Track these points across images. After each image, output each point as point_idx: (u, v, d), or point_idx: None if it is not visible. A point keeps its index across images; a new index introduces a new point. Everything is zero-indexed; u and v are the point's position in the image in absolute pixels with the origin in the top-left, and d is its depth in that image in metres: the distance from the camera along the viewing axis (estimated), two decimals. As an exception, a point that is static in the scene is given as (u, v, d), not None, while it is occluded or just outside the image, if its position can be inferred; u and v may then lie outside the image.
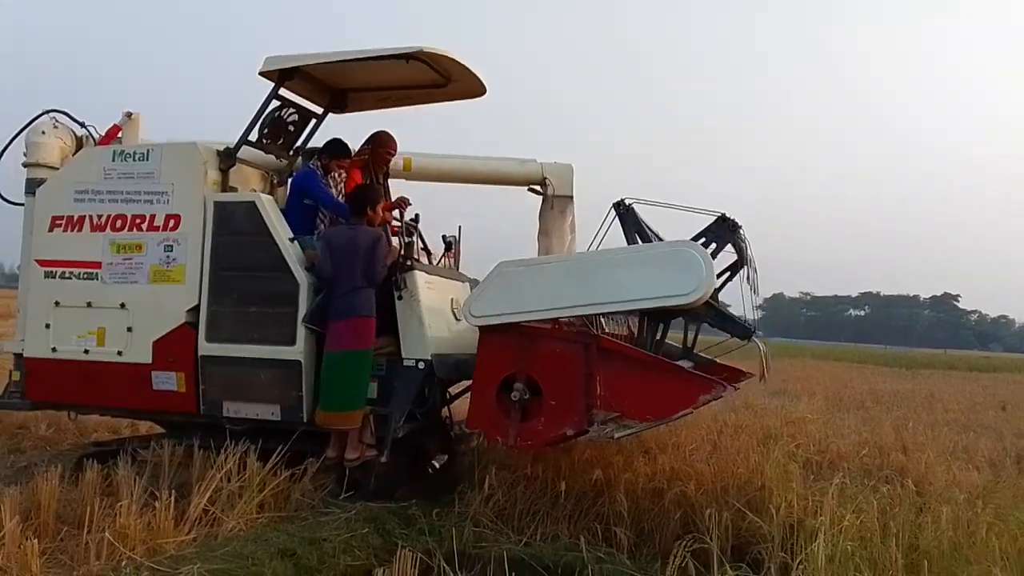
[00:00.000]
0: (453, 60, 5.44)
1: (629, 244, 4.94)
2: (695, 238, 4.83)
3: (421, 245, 5.75)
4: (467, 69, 5.62)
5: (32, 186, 5.68)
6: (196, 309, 5.14)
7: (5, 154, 5.77)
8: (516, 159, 7.01)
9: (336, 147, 5.67)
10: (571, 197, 6.88)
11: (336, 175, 5.65)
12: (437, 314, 5.22)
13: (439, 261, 6.04)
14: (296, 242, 5.12)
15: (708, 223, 4.94)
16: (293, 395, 4.95)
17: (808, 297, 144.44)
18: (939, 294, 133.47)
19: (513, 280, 4.67)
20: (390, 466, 4.96)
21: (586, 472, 4.98)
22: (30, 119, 5.83)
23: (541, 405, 4.53)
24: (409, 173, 6.77)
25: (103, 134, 5.93)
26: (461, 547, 4.29)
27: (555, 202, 6.86)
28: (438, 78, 5.70)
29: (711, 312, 4.79)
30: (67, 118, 5.95)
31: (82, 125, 5.99)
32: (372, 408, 4.97)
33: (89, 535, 3.92)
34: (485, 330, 4.71)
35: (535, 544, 4.49)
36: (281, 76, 5.37)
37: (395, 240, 5.40)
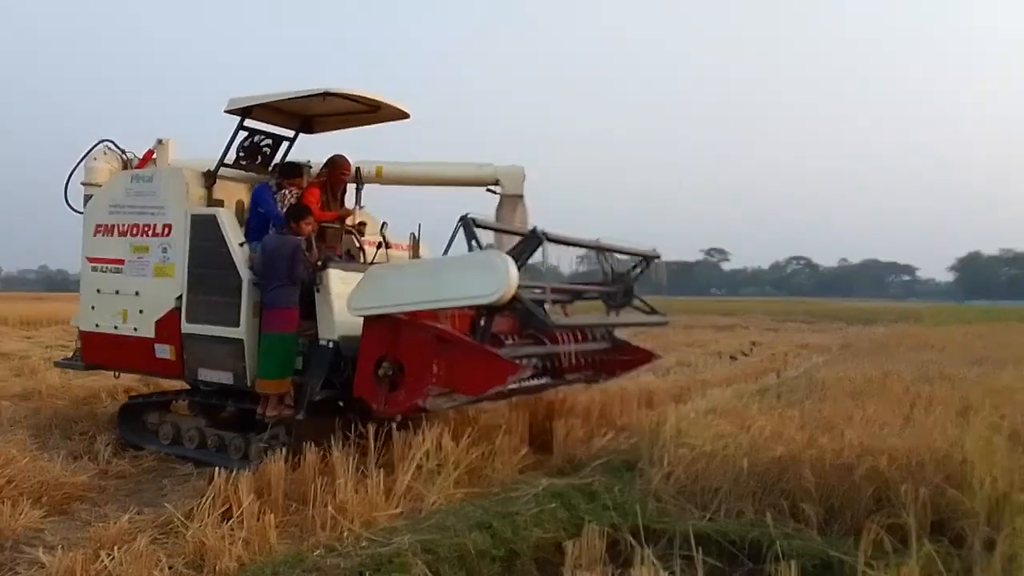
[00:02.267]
0: (360, 95, 6.54)
1: (469, 251, 5.53)
2: (510, 251, 5.59)
3: (358, 245, 7.11)
4: (379, 99, 6.70)
5: (87, 200, 7.21)
6: (181, 297, 6.41)
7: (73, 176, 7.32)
8: (474, 163, 8.00)
9: (287, 169, 6.93)
10: (521, 196, 7.79)
11: (288, 191, 6.74)
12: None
13: (374, 257, 7.09)
14: (245, 246, 6.25)
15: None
16: (239, 365, 6.11)
17: (1010, 254, 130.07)
18: None
19: (379, 280, 5.62)
20: (306, 423, 5.89)
21: (768, 448, 4.91)
22: (88, 148, 7.29)
23: (403, 380, 5.42)
24: (381, 179, 7.93)
25: (141, 158, 7.28)
26: (646, 522, 4.40)
27: (506, 201, 7.77)
28: (366, 107, 6.85)
29: (520, 306, 5.43)
30: (114, 146, 7.39)
31: (124, 152, 7.38)
32: (292, 378, 5.98)
33: (314, 510, 4.44)
34: (366, 319, 5.61)
35: (719, 520, 4.53)
36: (242, 112, 6.61)
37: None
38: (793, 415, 5.76)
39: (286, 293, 5.90)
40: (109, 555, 3.80)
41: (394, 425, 5.68)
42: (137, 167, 7.20)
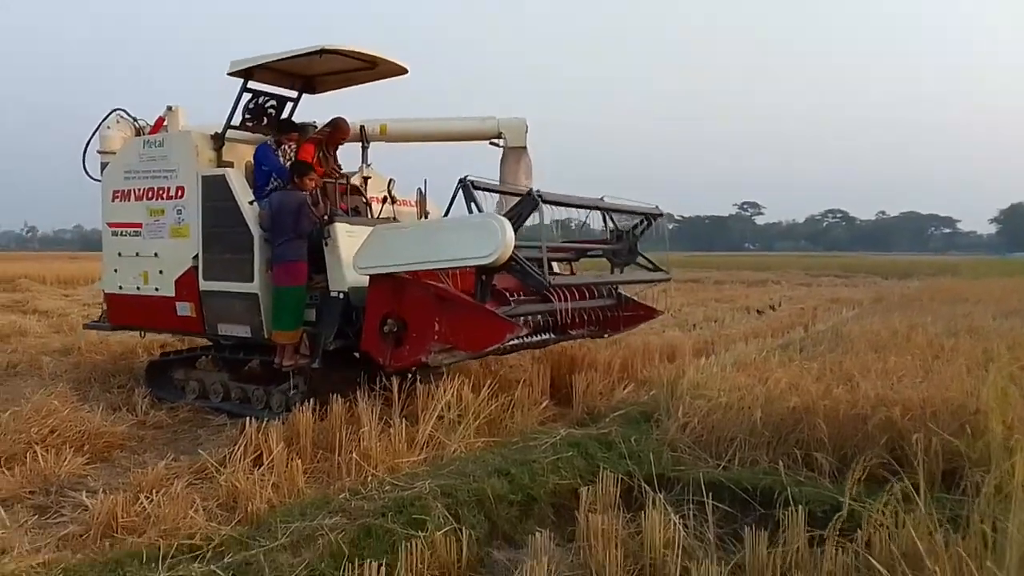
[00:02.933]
0: (356, 51, 6.62)
1: (468, 213, 5.59)
2: (508, 212, 5.65)
3: (365, 201, 7.35)
4: (376, 55, 6.76)
5: (103, 168, 7.46)
6: (197, 256, 6.65)
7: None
8: (476, 117, 8.01)
9: (284, 126, 7.08)
10: (524, 148, 7.80)
11: (287, 147, 6.94)
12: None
13: (379, 212, 7.40)
14: (255, 204, 6.43)
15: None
16: (255, 319, 6.37)
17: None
18: None
19: (384, 240, 5.75)
20: (323, 373, 6.21)
21: (783, 399, 4.98)
22: (102, 118, 7.59)
23: (407, 336, 5.62)
24: (386, 136, 7.98)
25: (152, 125, 7.50)
26: (660, 470, 4.52)
27: (510, 153, 7.80)
28: (364, 64, 6.92)
29: (517, 266, 5.49)
30: (126, 115, 7.67)
31: (136, 120, 7.67)
32: (306, 328, 6.25)
33: (340, 456, 4.63)
34: (372, 277, 5.80)
35: (733, 469, 4.63)
36: (244, 74, 6.72)
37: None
38: (811, 367, 5.81)
39: (294, 247, 6.10)
40: (148, 498, 4.03)
41: (418, 378, 5.86)
42: (149, 134, 7.39)
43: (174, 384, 7.27)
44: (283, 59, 6.60)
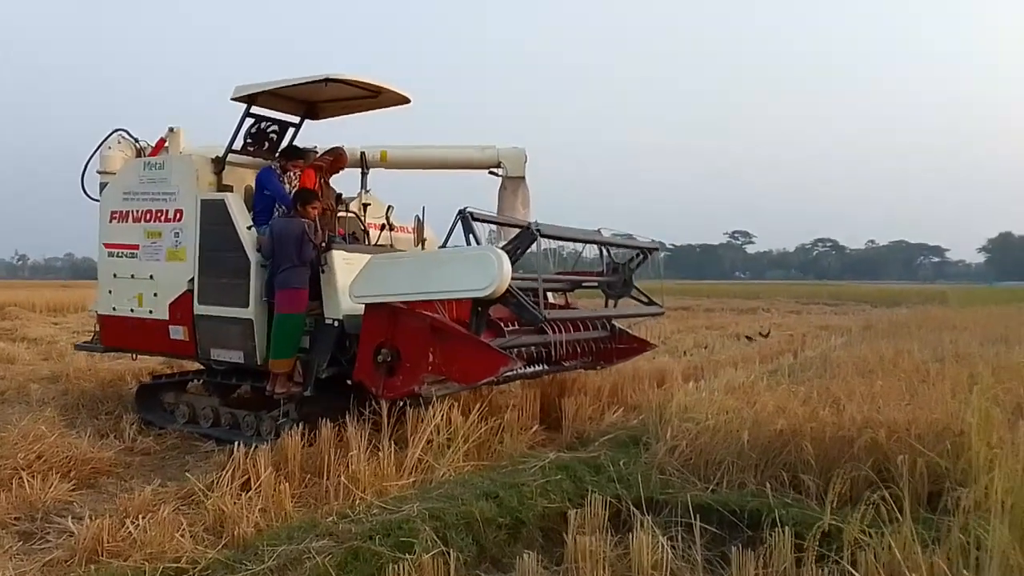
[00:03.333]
0: (359, 81, 6.69)
1: (467, 244, 5.66)
2: (506, 245, 5.74)
3: (362, 228, 7.36)
4: (380, 85, 6.84)
5: (102, 188, 7.44)
6: (193, 280, 6.64)
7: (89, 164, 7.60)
8: (476, 146, 8.05)
9: (290, 151, 7.10)
10: (523, 178, 7.84)
11: (292, 173, 6.95)
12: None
13: (377, 239, 7.43)
14: (253, 229, 6.44)
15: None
16: (249, 344, 6.34)
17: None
18: None
19: (380, 270, 5.76)
20: (313, 399, 6.18)
21: (770, 422, 5.01)
22: (103, 138, 7.55)
23: (401, 366, 5.63)
24: (386, 163, 8.01)
25: (153, 146, 7.49)
26: (648, 493, 4.54)
27: (508, 183, 7.84)
28: (368, 92, 7.00)
29: (512, 299, 5.52)
30: (128, 135, 7.64)
31: (137, 140, 7.64)
32: (300, 355, 6.22)
33: (328, 480, 4.63)
34: (367, 306, 5.78)
35: (721, 491, 4.64)
36: (248, 99, 6.77)
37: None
38: (798, 391, 5.84)
39: (296, 274, 6.09)
40: (134, 523, 4.01)
41: (408, 403, 5.86)
42: (150, 155, 7.42)
43: (164, 408, 7.25)
44: (288, 86, 6.66)
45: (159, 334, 6.86)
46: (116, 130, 7.66)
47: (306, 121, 7.50)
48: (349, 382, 6.18)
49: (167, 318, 6.81)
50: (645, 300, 7.26)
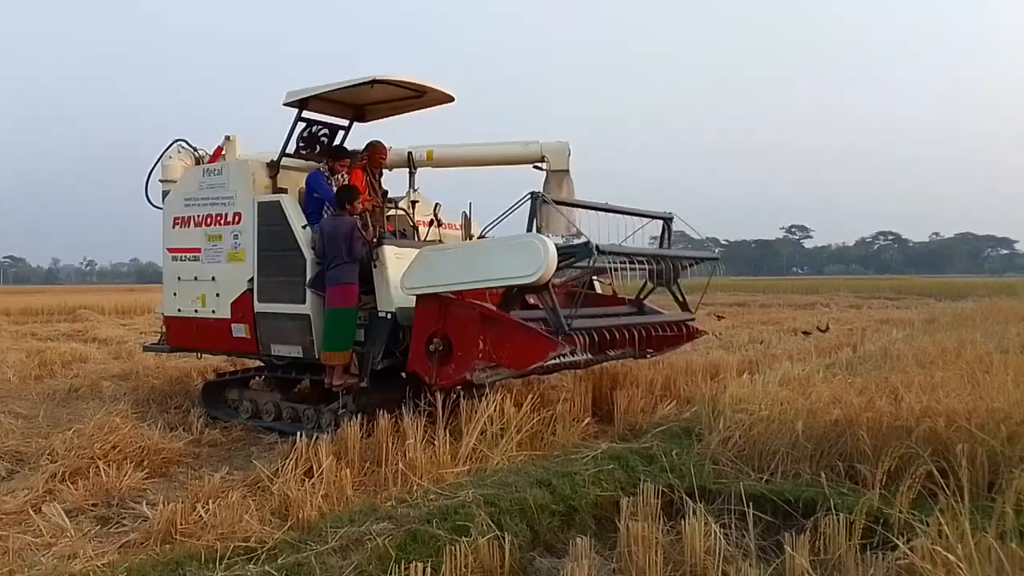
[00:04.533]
0: (406, 81, 6.92)
1: (527, 229, 5.70)
2: (561, 249, 5.63)
3: (412, 224, 7.57)
4: (424, 84, 7.03)
5: (164, 196, 7.77)
6: (252, 279, 6.87)
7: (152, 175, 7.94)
8: (519, 141, 8.08)
9: (337, 152, 7.28)
10: (567, 171, 7.84)
11: (340, 175, 7.10)
12: None
13: (427, 235, 7.59)
14: (307, 228, 6.64)
15: None
16: (307, 339, 6.56)
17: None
18: None
19: (429, 261, 5.91)
20: (370, 391, 6.37)
21: (825, 412, 4.97)
22: (164, 148, 7.93)
23: (452, 355, 5.76)
24: (432, 162, 8.15)
25: (211, 154, 7.81)
26: (701, 483, 4.56)
27: (552, 176, 7.83)
28: (413, 93, 7.21)
29: (546, 295, 5.66)
30: (187, 144, 7.97)
31: (195, 150, 7.96)
32: (356, 348, 6.41)
33: (386, 468, 4.77)
34: (419, 297, 5.95)
35: (775, 481, 4.63)
36: (299, 104, 6.96)
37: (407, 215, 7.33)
38: (855, 382, 5.77)
39: (346, 270, 6.29)
40: (205, 507, 4.22)
41: (462, 394, 5.98)
42: (208, 162, 7.72)
43: (228, 404, 7.52)
44: (336, 89, 6.87)
45: (222, 333, 7.12)
46: (176, 140, 7.99)
47: (355, 124, 7.69)
48: (404, 374, 6.34)
49: (229, 317, 7.07)
50: (680, 300, 7.32)
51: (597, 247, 5.61)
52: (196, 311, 7.35)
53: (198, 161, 7.91)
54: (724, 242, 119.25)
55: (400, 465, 4.67)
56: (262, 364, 7.43)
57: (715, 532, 3.55)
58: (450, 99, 7.44)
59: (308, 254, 6.56)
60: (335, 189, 6.93)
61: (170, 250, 7.62)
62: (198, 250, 7.34)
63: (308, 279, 6.54)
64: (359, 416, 5.63)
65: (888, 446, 4.60)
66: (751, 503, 3.92)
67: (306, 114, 7.16)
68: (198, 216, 7.34)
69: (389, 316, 6.26)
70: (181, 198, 7.49)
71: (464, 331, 5.76)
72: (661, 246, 7.23)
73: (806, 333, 15.29)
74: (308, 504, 4.10)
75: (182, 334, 7.60)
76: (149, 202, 7.93)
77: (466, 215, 7.45)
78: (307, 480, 4.55)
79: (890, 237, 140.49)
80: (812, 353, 10.77)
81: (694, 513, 3.66)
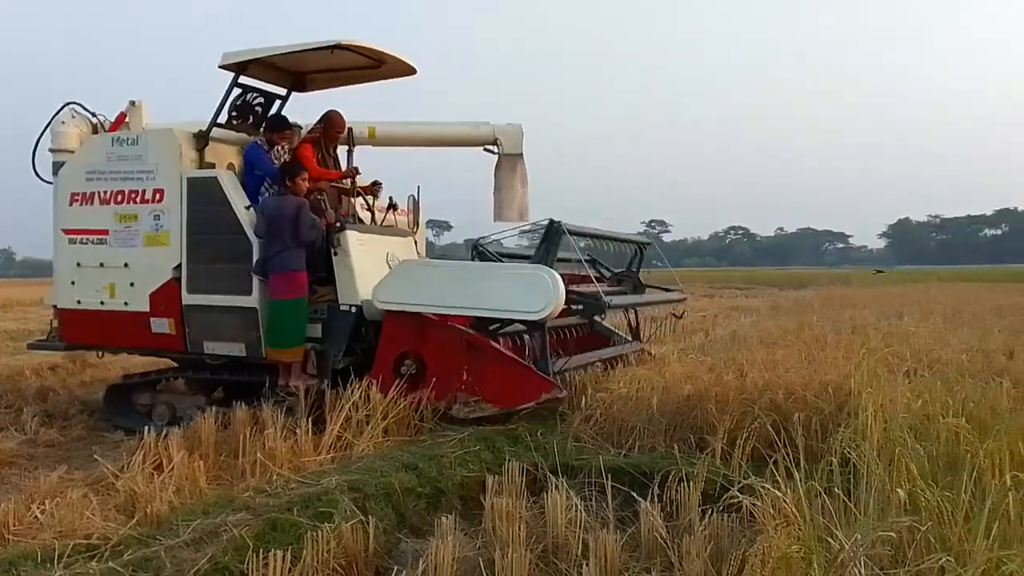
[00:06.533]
0: (371, 48, 6.24)
1: (536, 254, 5.52)
2: (538, 253, 5.57)
3: (366, 207, 6.79)
4: (389, 53, 6.39)
5: (57, 168, 6.71)
6: (179, 267, 6.12)
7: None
8: (470, 122, 7.69)
9: (276, 122, 6.56)
10: (520, 155, 7.51)
11: (280, 148, 6.46)
12: (370, 266, 5.98)
13: (383, 220, 6.92)
14: (251, 209, 5.98)
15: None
16: (253, 335, 5.91)
17: (937, 220, 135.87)
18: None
19: (411, 277, 5.56)
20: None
21: (678, 388, 5.24)
22: (54, 112, 6.82)
23: (426, 379, 5.39)
24: (374, 140, 7.57)
25: (112, 121, 6.88)
26: (564, 460, 4.68)
27: (505, 160, 7.52)
28: (371, 62, 6.54)
29: (538, 335, 5.47)
30: (83, 109, 6.92)
31: (94, 115, 6.94)
32: (312, 345, 5.88)
33: (244, 459, 4.60)
34: (389, 311, 5.54)
35: (633, 455, 4.84)
36: (237, 68, 6.23)
37: (353, 201, 6.56)
38: (706, 360, 6.11)
39: (292, 256, 5.72)
40: (41, 507, 3.90)
41: (326, 383, 5.82)
42: (110, 130, 6.79)
43: (138, 410, 6.62)
44: (286, 53, 6.16)
45: (138, 328, 6.26)
46: (68, 103, 6.89)
47: (292, 94, 6.97)
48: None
49: (147, 310, 6.24)
50: (633, 327, 7.34)
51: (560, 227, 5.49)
52: (102, 303, 6.40)
53: (95, 129, 6.89)
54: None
55: (259, 455, 4.50)
56: (176, 364, 6.66)
57: (576, 505, 3.67)
58: (412, 71, 6.79)
59: (254, 238, 5.90)
60: (276, 164, 6.28)
61: (66, 231, 6.57)
62: (105, 232, 6.38)
63: (253, 265, 5.93)
64: (213, 408, 5.37)
65: (734, 418, 4.93)
66: (610, 476, 4.07)
67: (243, 79, 6.41)
68: (105, 192, 6.37)
69: (353, 310, 5.76)
70: (81, 171, 6.47)
71: (444, 357, 5.37)
72: (630, 269, 7.19)
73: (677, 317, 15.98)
74: (157, 499, 3.88)
75: (82, 329, 6.58)
76: (37, 175, 6.84)
77: (414, 199, 6.95)
78: (157, 476, 4.31)
79: (740, 231, 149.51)
80: (668, 338, 11.29)
81: (556, 488, 3.76)
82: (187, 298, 6.10)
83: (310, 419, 4.97)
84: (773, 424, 4.72)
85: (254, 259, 5.89)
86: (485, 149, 7.68)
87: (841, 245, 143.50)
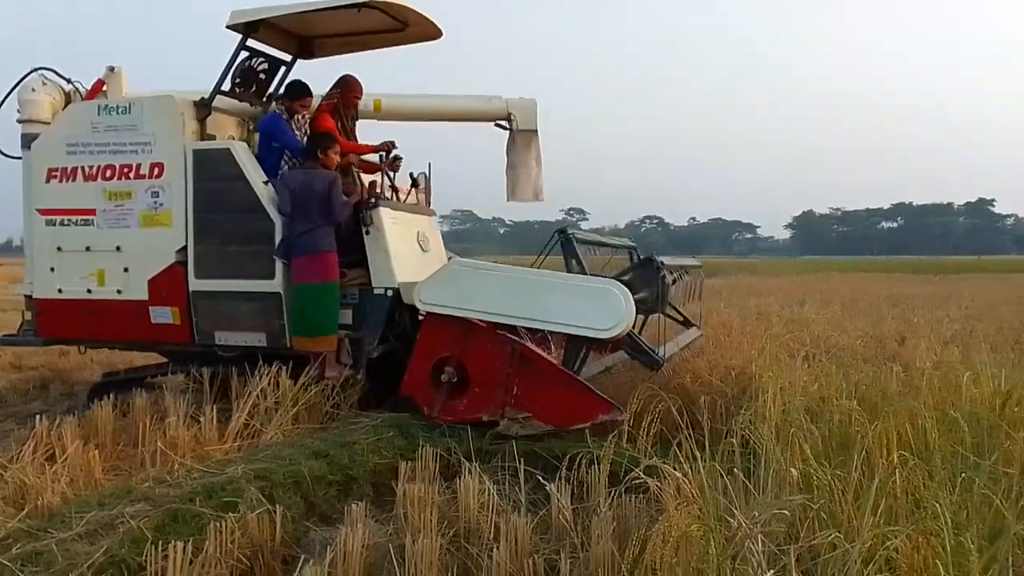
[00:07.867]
0: (403, 6, 5.74)
1: (567, 269, 5.33)
2: (621, 274, 5.35)
3: (388, 183, 6.14)
4: (419, 14, 5.90)
5: (27, 141, 6.04)
6: (184, 249, 5.58)
7: (1, 111, 6.13)
8: (482, 96, 7.28)
9: (296, 89, 5.97)
10: (535, 131, 7.16)
11: (300, 117, 5.98)
12: (403, 246, 5.70)
13: (406, 197, 6.44)
14: (269, 184, 5.51)
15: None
16: (276, 323, 5.45)
17: (839, 212, 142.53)
18: (973, 200, 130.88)
19: (460, 279, 5.19)
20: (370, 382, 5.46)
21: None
22: (20, 77, 6.12)
23: (467, 389, 5.07)
24: (379, 114, 7.08)
25: (89, 88, 6.25)
26: (479, 445, 4.71)
27: (520, 136, 7.15)
28: (395, 23, 6.00)
29: (630, 341, 5.16)
30: (55, 75, 6.23)
31: (68, 81, 6.28)
32: (346, 333, 5.48)
33: (143, 448, 4.42)
34: (431, 314, 5.18)
35: (546, 440, 4.90)
36: (247, 28, 5.68)
37: (371, 179, 5.94)
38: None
39: (321, 236, 5.28)
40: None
41: (233, 369, 5.63)
42: (87, 98, 6.17)
43: None
44: (305, 11, 5.60)
45: (134, 318, 5.67)
46: (36, 69, 6.18)
47: (298, 61, 6.45)
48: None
49: (146, 298, 5.65)
50: (680, 319, 6.57)
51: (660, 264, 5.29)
52: (89, 291, 5.78)
53: (68, 96, 6.24)
54: (509, 223, 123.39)
55: (160, 444, 4.34)
56: (165, 360, 6.12)
57: (489, 489, 3.69)
58: (438, 35, 6.24)
59: (276, 216, 5.39)
60: (299, 135, 5.79)
61: (43, 212, 5.91)
62: (91, 212, 5.76)
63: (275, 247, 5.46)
64: (112, 396, 5.13)
65: (644, 402, 5.06)
66: (523, 460, 4.11)
67: (251, 42, 5.85)
68: (91, 167, 5.73)
69: (390, 293, 5.38)
70: (61, 143, 5.82)
71: (491, 367, 5.01)
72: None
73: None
74: (49, 490, 3.69)
75: (64, 322, 5.93)
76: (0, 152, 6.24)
77: (425, 176, 6.55)
78: (49, 466, 4.10)
79: (655, 221, 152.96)
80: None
81: (470, 472, 3.77)
82: (195, 284, 5.56)
83: (215, 407, 4.80)
84: (680, 408, 4.88)
85: (276, 239, 5.42)
86: (497, 125, 7.25)
87: (750, 235, 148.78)
